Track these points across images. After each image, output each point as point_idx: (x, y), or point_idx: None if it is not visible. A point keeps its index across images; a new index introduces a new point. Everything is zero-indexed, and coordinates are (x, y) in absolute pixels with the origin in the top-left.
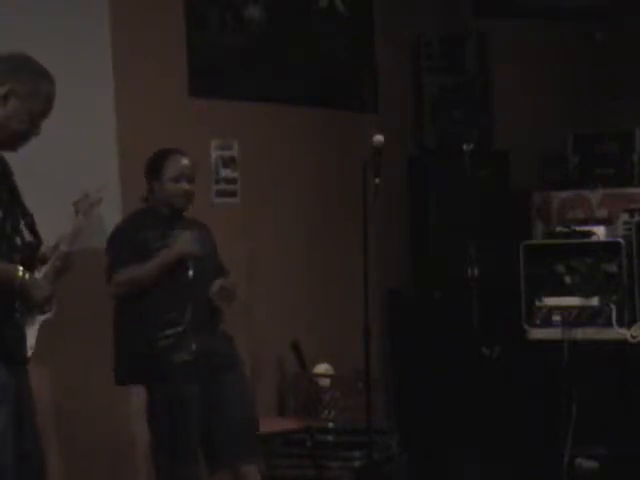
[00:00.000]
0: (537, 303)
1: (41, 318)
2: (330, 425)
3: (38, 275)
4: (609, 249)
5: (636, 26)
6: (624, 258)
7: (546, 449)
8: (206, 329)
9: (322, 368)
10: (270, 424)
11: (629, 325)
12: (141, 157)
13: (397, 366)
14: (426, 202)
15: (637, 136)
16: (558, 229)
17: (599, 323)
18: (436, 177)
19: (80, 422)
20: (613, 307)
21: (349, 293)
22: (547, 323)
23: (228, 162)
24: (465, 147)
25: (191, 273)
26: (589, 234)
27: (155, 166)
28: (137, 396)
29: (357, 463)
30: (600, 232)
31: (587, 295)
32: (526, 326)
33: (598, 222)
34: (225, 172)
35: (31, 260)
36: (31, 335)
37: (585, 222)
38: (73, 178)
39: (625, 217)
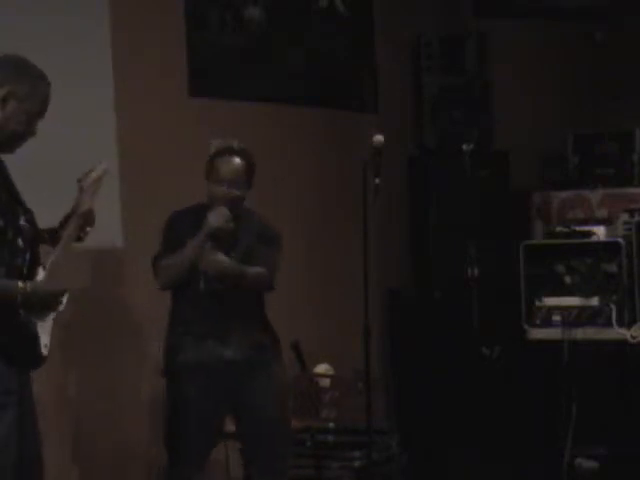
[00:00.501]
0: (537, 303)
1: (53, 314)
2: (330, 425)
3: (47, 266)
4: (609, 249)
5: (636, 26)
6: (624, 258)
7: (546, 449)
8: (221, 335)
9: (322, 368)
10: None
11: (629, 325)
12: (141, 157)
13: (397, 366)
14: (426, 202)
15: (637, 136)
16: (558, 229)
17: (599, 323)
18: (436, 177)
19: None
20: (613, 307)
21: (349, 293)
22: (547, 323)
23: None
24: (465, 147)
25: (202, 285)
26: (589, 234)
27: (208, 166)
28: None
29: (357, 463)
30: (600, 232)
31: (587, 295)
32: (526, 326)
33: (598, 222)
34: None
35: (36, 256)
36: (45, 333)
37: (585, 222)
38: (73, 178)
39: (625, 217)
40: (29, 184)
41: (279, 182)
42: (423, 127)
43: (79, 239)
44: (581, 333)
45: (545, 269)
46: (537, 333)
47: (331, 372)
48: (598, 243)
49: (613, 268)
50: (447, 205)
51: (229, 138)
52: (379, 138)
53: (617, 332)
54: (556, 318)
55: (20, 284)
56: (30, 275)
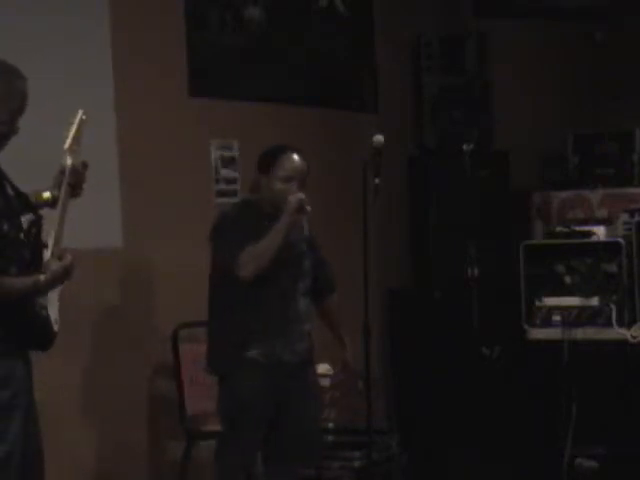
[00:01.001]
0: (537, 303)
1: (58, 289)
2: (330, 425)
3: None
4: (609, 249)
5: (636, 26)
6: (624, 258)
7: (546, 449)
8: (285, 336)
9: (322, 368)
10: None
11: (629, 325)
12: (141, 157)
13: (397, 366)
14: (426, 202)
15: (637, 136)
16: (558, 229)
17: (599, 323)
18: (436, 177)
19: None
20: (613, 307)
21: (349, 293)
22: (547, 323)
23: (228, 162)
24: (465, 147)
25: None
26: (589, 234)
27: (267, 161)
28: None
29: (357, 463)
30: (600, 232)
31: (587, 295)
32: (526, 326)
33: (598, 222)
34: (225, 172)
35: (38, 238)
36: (53, 309)
37: (585, 222)
38: None
39: (625, 217)
40: (29, 184)
41: None
42: (423, 127)
43: (76, 195)
44: (581, 333)
45: (545, 269)
46: (537, 333)
47: (331, 372)
48: (598, 243)
49: (613, 268)
50: (447, 205)
51: (229, 138)
52: (379, 138)
53: (617, 332)
54: (556, 318)
55: (37, 279)
56: (36, 261)
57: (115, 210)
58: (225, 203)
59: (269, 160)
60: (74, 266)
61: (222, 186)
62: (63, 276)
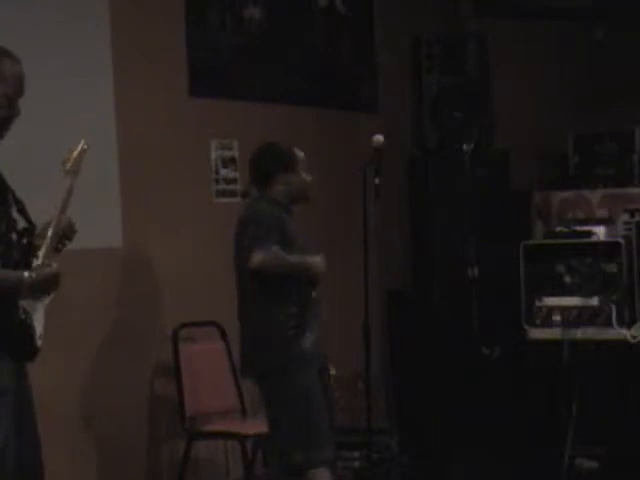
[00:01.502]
0: (537, 303)
1: (45, 302)
2: None
3: (40, 257)
4: (609, 249)
5: (636, 26)
6: (624, 258)
7: (546, 449)
8: (320, 332)
9: None
10: None
11: (629, 325)
12: (141, 157)
13: (397, 366)
14: (426, 202)
15: (637, 136)
16: (558, 229)
17: (599, 323)
18: (436, 177)
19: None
20: (613, 307)
21: (349, 293)
22: (547, 323)
23: (228, 162)
24: (465, 147)
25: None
26: (589, 234)
27: (288, 158)
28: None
29: (357, 463)
30: (600, 232)
31: (587, 295)
32: (526, 326)
33: (598, 222)
34: (225, 172)
35: (30, 246)
36: (39, 323)
37: (585, 222)
38: None
39: (625, 217)
40: (29, 184)
41: None
42: (423, 127)
43: (57, 250)
44: (581, 333)
45: (545, 269)
46: (537, 333)
47: (334, 372)
48: (598, 243)
49: (613, 268)
50: (447, 205)
51: (229, 138)
52: (379, 138)
53: (617, 332)
54: (556, 318)
55: (21, 275)
56: (25, 265)
57: (115, 210)
58: (225, 203)
59: (291, 157)
60: (60, 276)
61: (222, 186)
62: (50, 282)
